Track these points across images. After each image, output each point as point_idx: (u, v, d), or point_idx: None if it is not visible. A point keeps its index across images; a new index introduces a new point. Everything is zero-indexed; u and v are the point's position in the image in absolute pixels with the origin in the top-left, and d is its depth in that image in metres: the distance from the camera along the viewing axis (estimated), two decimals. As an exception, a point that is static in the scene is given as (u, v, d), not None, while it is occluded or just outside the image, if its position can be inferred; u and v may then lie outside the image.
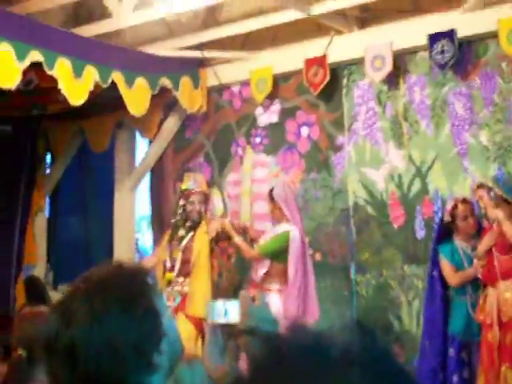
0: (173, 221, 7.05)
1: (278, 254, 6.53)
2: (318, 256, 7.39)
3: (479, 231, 6.17)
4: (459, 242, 6.20)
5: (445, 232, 6.26)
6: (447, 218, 6.17)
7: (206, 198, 7.08)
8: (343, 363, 0.93)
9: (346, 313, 7.25)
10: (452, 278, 6.13)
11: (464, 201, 6.20)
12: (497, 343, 5.82)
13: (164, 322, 1.65)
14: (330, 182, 7.47)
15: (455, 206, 6.16)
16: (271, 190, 6.75)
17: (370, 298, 7.17)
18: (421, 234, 6.92)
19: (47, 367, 1.62)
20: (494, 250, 5.94)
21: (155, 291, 1.67)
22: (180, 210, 6.96)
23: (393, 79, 7.13)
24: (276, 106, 7.84)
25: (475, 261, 6.07)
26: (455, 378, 6.07)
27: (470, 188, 6.37)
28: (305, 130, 7.65)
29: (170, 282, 6.70)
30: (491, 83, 6.70)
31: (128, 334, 1.56)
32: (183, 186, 7.03)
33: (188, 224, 6.91)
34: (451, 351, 6.13)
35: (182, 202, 6.95)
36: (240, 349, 1.83)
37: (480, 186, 6.08)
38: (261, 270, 6.59)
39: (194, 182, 7.05)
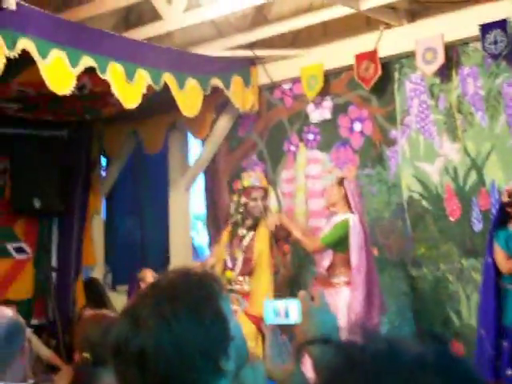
0: (233, 219, 7.06)
1: (340, 243, 6.52)
2: (374, 251, 7.33)
3: None
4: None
5: (502, 219, 6.19)
6: (506, 199, 6.08)
7: (266, 194, 7.10)
8: (417, 369, 0.93)
9: (404, 308, 7.22)
10: (504, 264, 6.05)
11: None
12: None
13: (231, 326, 1.66)
14: (384, 176, 7.42)
15: (509, 191, 6.08)
16: (342, 178, 6.75)
17: (428, 292, 7.11)
18: (478, 226, 6.84)
19: (116, 372, 1.64)
20: None
21: (222, 296, 1.69)
22: (241, 208, 6.96)
23: (445, 71, 7.05)
24: (328, 102, 7.82)
25: None
26: (509, 372, 5.98)
27: None
28: (357, 126, 7.62)
29: (229, 281, 6.72)
30: (546, 72, 6.60)
31: (197, 340, 1.58)
32: (245, 183, 7.03)
33: (248, 222, 6.92)
34: (505, 344, 6.04)
35: (243, 200, 6.95)
36: (303, 350, 1.84)
37: None
38: (324, 262, 6.61)
39: (254, 178, 7.07)
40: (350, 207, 6.60)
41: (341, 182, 6.69)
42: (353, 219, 6.52)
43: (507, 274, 6.06)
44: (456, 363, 0.97)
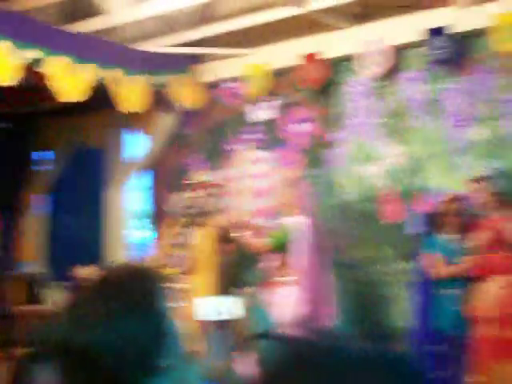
0: (179, 215, 7.00)
1: (287, 246, 6.55)
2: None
3: (470, 227, 6.18)
4: (446, 236, 6.21)
5: (434, 225, 6.27)
6: (437, 211, 6.19)
7: (218, 193, 7.07)
8: (361, 364, 0.97)
9: (341, 308, 7.26)
10: (437, 270, 6.12)
11: (456, 198, 6.20)
12: (494, 338, 5.83)
13: (169, 323, 1.66)
14: (326, 177, 7.46)
15: (447, 201, 6.18)
16: (294, 179, 6.78)
17: (363, 293, 7.15)
18: (415, 229, 6.91)
19: (59, 367, 1.62)
20: (486, 245, 5.95)
21: (163, 293, 1.68)
22: (191, 203, 6.91)
23: (389, 75, 7.12)
24: (272, 102, 7.83)
25: (464, 257, 6.09)
26: (441, 374, 6.05)
27: (466, 181, 6.37)
28: (301, 126, 7.64)
29: (170, 278, 6.69)
30: (487, 79, 6.69)
31: (137, 337, 1.57)
32: (202, 178, 6.98)
33: (194, 219, 6.88)
34: (437, 346, 6.12)
35: (195, 194, 6.90)
36: (246, 347, 1.84)
37: (478, 179, 6.11)
38: (272, 263, 6.63)
39: (208, 175, 7.05)
40: (300, 209, 6.63)
41: (292, 183, 6.71)
42: (300, 222, 6.54)
43: (441, 279, 6.14)
44: (398, 359, 1.00)
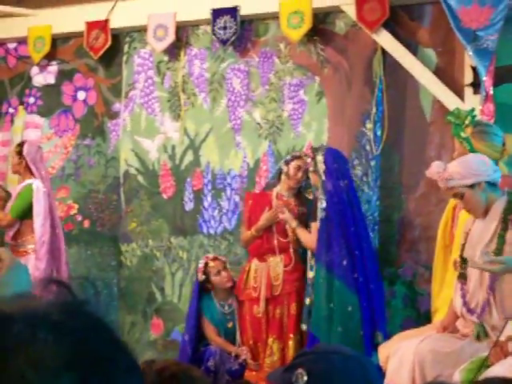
0: None
1: (29, 211, 6.36)
2: (86, 223, 7.30)
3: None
4: (217, 299, 6.25)
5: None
6: (201, 277, 6.18)
7: None
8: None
9: (111, 282, 7.21)
10: (213, 339, 6.13)
11: (215, 258, 6.22)
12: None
13: None
14: (104, 148, 7.36)
15: (206, 264, 6.20)
16: (21, 145, 6.56)
17: (135, 267, 7.13)
18: (189, 205, 6.96)
19: None
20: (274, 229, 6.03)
21: None
22: None
23: (174, 50, 7.11)
24: (53, 67, 7.59)
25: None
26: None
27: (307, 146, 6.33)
28: (81, 94, 7.47)
29: None
30: (269, 62, 6.83)
31: None
32: None
33: None
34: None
35: None
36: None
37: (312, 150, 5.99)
38: (10, 231, 6.42)
39: None
40: (32, 174, 6.47)
41: (20, 150, 6.52)
42: (36, 183, 6.40)
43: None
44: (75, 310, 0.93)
